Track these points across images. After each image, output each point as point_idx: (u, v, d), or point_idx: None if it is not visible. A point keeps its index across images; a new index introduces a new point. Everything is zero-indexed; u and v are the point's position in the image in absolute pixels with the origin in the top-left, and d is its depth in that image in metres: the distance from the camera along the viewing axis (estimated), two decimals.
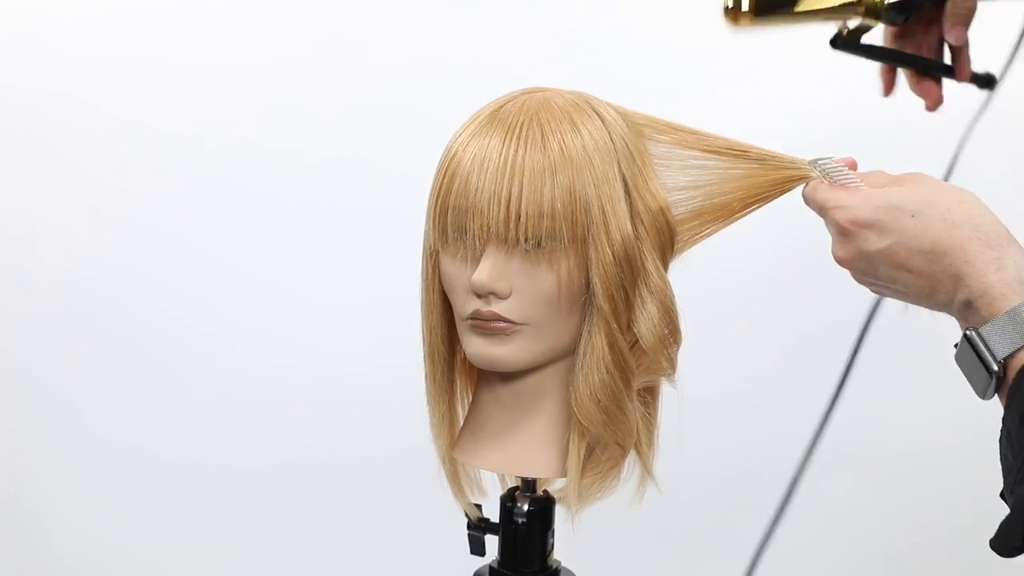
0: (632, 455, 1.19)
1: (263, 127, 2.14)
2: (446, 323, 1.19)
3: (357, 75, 2.12)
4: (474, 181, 1.08)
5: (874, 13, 1.30)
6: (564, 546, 1.26)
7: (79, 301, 2.18)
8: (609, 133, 1.11)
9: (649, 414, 1.20)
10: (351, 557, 2.19)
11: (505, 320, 1.10)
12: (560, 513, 1.24)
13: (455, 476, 1.25)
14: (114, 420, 2.20)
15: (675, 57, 2.04)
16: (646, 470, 1.21)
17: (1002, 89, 1.50)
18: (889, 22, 1.33)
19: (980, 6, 1.36)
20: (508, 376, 1.16)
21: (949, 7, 1.36)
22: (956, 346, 1.03)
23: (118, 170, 2.15)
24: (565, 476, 1.17)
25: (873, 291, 1.11)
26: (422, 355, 1.22)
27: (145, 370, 2.19)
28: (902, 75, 1.44)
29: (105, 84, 2.14)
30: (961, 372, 1.04)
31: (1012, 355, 0.98)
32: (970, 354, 1.00)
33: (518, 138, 1.08)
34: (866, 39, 1.36)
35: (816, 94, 1.98)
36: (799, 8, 1.26)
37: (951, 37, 1.36)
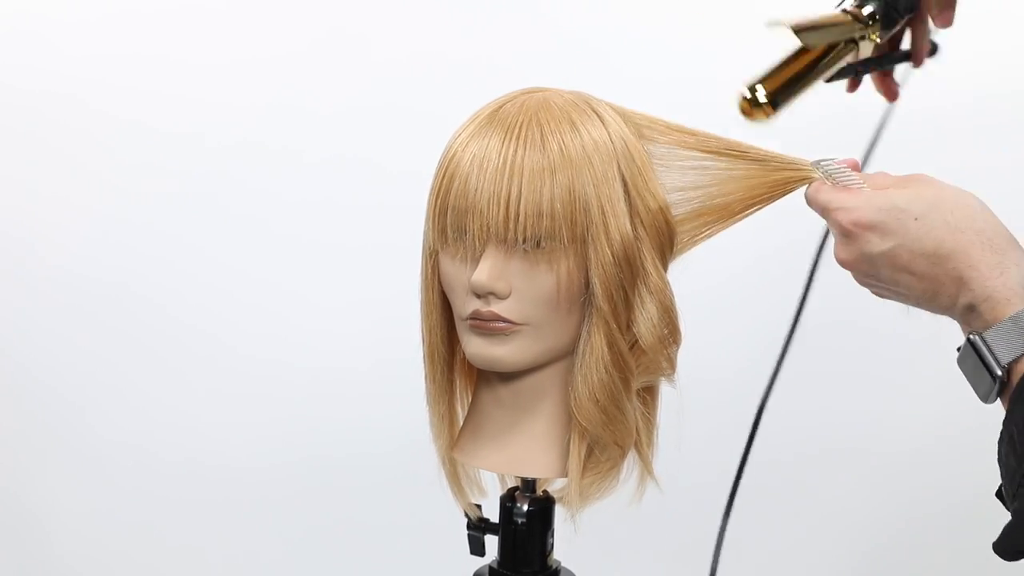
0: (632, 455, 1.19)
1: (263, 127, 2.14)
2: (446, 323, 1.19)
3: (357, 75, 2.12)
4: (473, 181, 1.08)
5: (870, 18, 1.28)
6: (564, 546, 1.26)
7: (79, 301, 2.18)
8: (608, 133, 1.11)
9: (649, 414, 1.20)
10: (351, 557, 2.19)
11: (504, 320, 1.10)
12: (560, 513, 1.24)
13: (455, 476, 1.25)
14: (114, 420, 2.20)
15: (675, 57, 2.04)
16: (646, 470, 1.21)
17: (1002, 88, 1.50)
18: (889, 26, 1.31)
19: None
20: (508, 376, 1.16)
21: None
22: (959, 350, 1.03)
23: (118, 170, 2.15)
24: (565, 476, 1.17)
25: (874, 293, 1.10)
26: (422, 355, 1.22)
27: (145, 370, 2.19)
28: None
29: (105, 84, 2.14)
30: (963, 375, 1.03)
31: (1016, 360, 0.98)
32: (973, 358, 1.00)
33: (518, 138, 1.08)
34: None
35: (816, 94, 1.98)
36: (807, 72, 1.23)
37: (942, 22, 1.35)
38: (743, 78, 1.19)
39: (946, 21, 1.34)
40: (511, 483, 1.26)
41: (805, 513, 2.15)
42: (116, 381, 2.19)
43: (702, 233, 1.17)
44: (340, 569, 2.19)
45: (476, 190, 1.08)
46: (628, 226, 1.10)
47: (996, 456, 1.00)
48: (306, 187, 2.14)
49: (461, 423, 1.24)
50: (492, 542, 1.26)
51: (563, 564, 1.27)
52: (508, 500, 1.24)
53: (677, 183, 1.16)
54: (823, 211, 1.10)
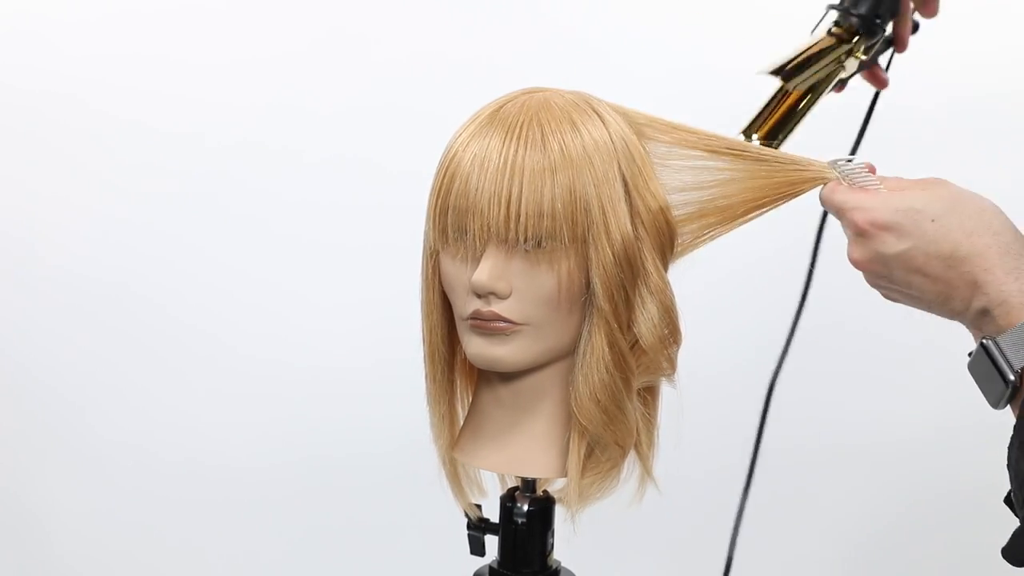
0: (632, 455, 1.19)
1: (263, 127, 2.14)
2: (446, 323, 1.19)
3: (357, 75, 2.12)
4: (474, 181, 1.08)
5: (854, 34, 1.27)
6: (564, 546, 1.26)
7: (79, 301, 2.18)
8: (609, 133, 1.11)
9: (649, 414, 1.20)
10: (351, 557, 2.19)
11: (505, 320, 1.10)
12: (560, 513, 1.24)
13: (455, 476, 1.25)
14: (114, 420, 2.20)
15: (675, 57, 2.04)
16: (646, 470, 1.21)
17: (1003, 89, 1.50)
18: (872, 36, 1.30)
19: None
20: (508, 376, 1.16)
21: None
22: (970, 355, 1.02)
23: (118, 170, 2.15)
24: (565, 476, 1.17)
25: (884, 295, 1.09)
26: (422, 355, 1.22)
27: (145, 370, 2.19)
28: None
29: (105, 84, 2.14)
30: (974, 381, 1.02)
31: None
32: (986, 363, 0.99)
33: (518, 138, 1.08)
34: None
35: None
36: (796, 110, 1.24)
37: (928, 13, 1.34)
38: (738, 125, 1.22)
39: (931, 11, 1.33)
40: (511, 483, 1.26)
41: (805, 513, 2.15)
42: (116, 381, 2.19)
43: (706, 234, 1.17)
44: (340, 569, 2.19)
45: (477, 190, 1.08)
46: (629, 226, 1.10)
47: (999, 457, 1.00)
48: (306, 187, 2.14)
49: (461, 423, 1.24)
50: (492, 542, 1.26)
51: (563, 564, 1.27)
52: (508, 500, 1.24)
53: (678, 182, 1.15)
54: (838, 211, 1.09)
